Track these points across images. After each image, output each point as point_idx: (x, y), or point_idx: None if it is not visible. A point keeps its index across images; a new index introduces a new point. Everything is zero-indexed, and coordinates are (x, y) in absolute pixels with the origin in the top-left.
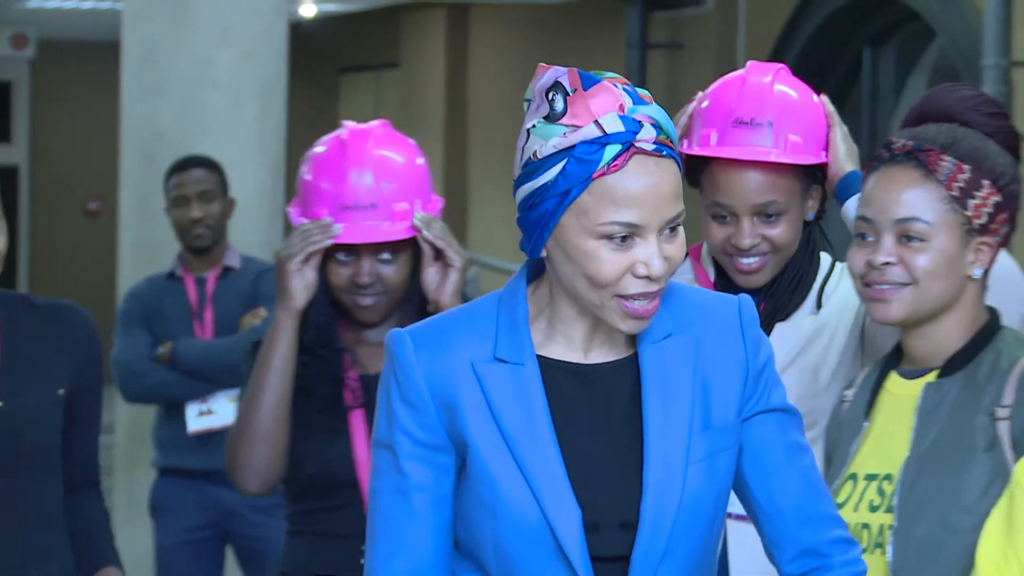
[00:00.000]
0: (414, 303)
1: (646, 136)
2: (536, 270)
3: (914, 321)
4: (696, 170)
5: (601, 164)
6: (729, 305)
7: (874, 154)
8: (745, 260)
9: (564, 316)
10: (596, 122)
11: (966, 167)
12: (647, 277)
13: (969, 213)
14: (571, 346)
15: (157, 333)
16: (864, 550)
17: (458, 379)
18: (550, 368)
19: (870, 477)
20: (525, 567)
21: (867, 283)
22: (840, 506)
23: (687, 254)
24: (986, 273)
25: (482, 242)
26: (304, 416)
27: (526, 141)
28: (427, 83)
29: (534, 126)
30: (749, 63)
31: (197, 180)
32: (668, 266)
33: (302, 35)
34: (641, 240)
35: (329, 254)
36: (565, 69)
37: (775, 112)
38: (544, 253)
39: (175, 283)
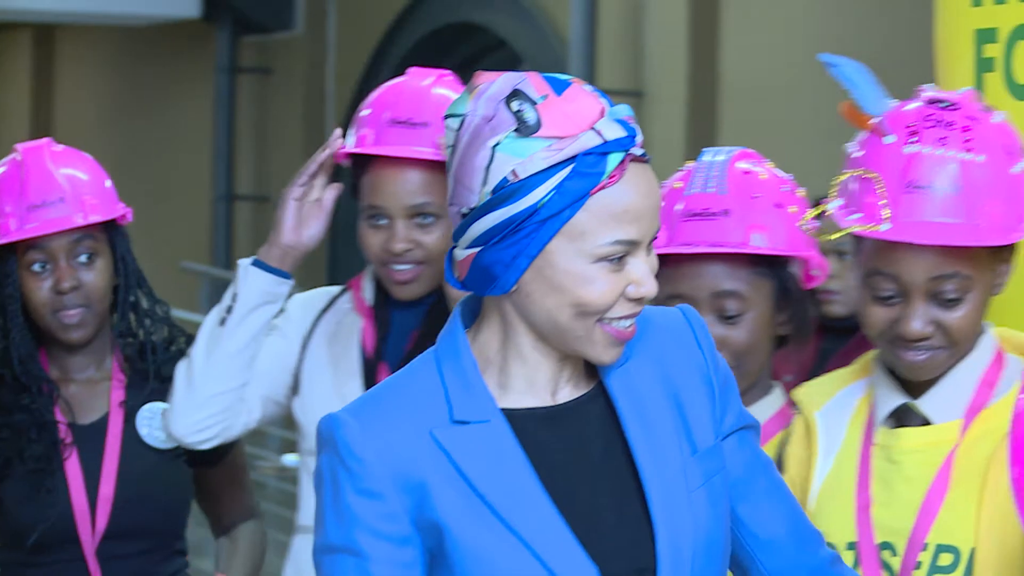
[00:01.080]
0: (125, 318)
1: (639, 140)
2: (471, 316)
3: None
4: (355, 176)
5: (603, 176)
6: (674, 317)
7: None
8: (398, 267)
9: (526, 359)
10: (594, 128)
11: None
12: (639, 299)
13: None
14: (534, 391)
15: None
16: None
17: (419, 453)
18: (517, 419)
19: None
20: None
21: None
22: None
23: (348, 286)
24: None
25: None
26: (13, 464)
27: (490, 162)
28: (12, 105)
29: (499, 143)
30: (410, 69)
31: None
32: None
33: None
34: (633, 258)
35: (25, 269)
36: (522, 74)
37: (432, 114)
38: (513, 289)
39: None
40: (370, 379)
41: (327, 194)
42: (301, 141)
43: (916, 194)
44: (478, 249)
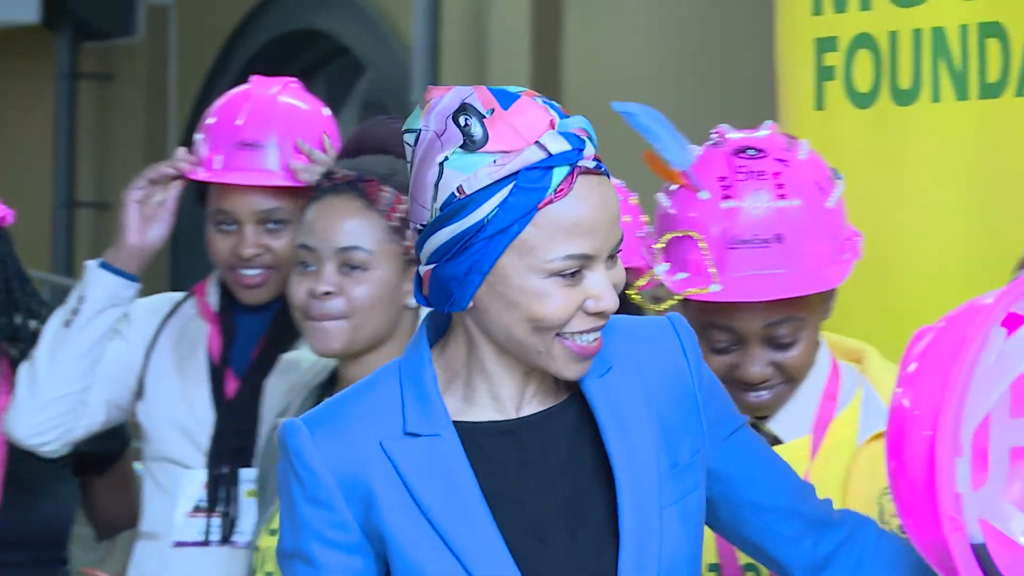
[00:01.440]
0: (11, 322)
1: (589, 153)
2: (438, 330)
3: (352, 352)
4: (202, 183)
5: (549, 191)
6: (660, 326)
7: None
8: (246, 272)
9: (490, 374)
10: (538, 143)
11: (404, 198)
12: (599, 313)
13: (407, 243)
14: (498, 405)
15: None
16: None
17: (367, 463)
18: (473, 433)
19: None
20: None
21: (308, 315)
22: None
23: (193, 292)
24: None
25: None
26: None
27: (439, 178)
28: None
29: (446, 158)
30: (253, 77)
31: None
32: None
33: None
34: (590, 272)
35: None
36: (470, 88)
37: (281, 128)
38: (470, 305)
39: None
40: (217, 384)
41: (170, 194)
42: (142, 148)
43: (740, 249)
44: (433, 266)
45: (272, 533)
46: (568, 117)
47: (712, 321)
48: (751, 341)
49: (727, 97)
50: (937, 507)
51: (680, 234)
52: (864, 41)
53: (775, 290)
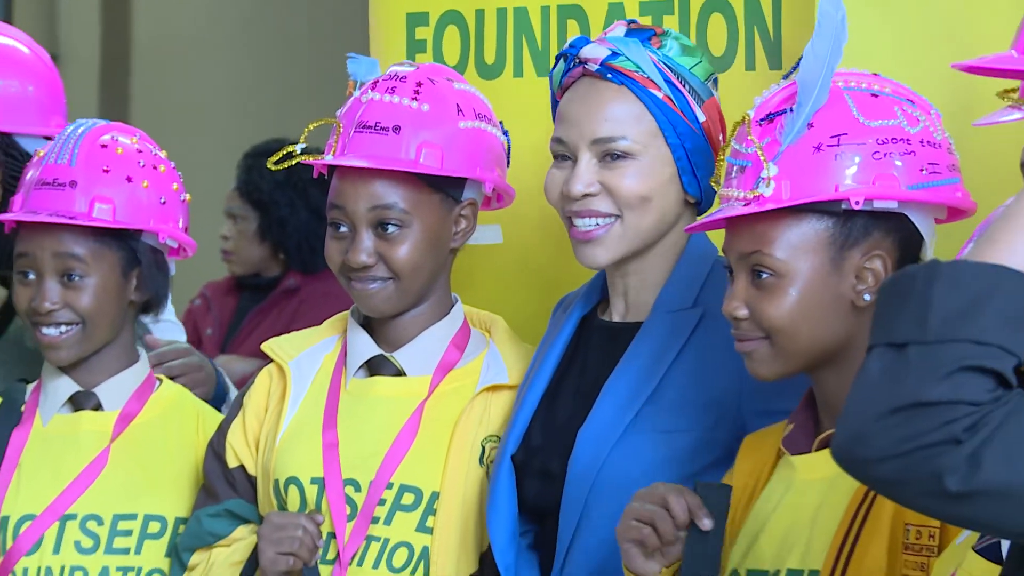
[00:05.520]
0: None
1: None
2: None
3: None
4: None
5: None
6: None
7: None
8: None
9: None
10: None
11: None
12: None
13: None
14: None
15: None
16: None
17: None
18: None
19: None
20: None
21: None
22: None
23: None
24: None
25: None
26: None
27: None
28: None
29: None
30: None
31: None
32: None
33: None
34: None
35: None
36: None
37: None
38: None
39: None
40: None
41: None
42: None
43: (363, 133)
44: None
45: None
46: None
47: (332, 202)
48: (359, 224)
49: (323, 67)
50: None
51: (329, 121)
52: (453, 17)
53: (398, 164)
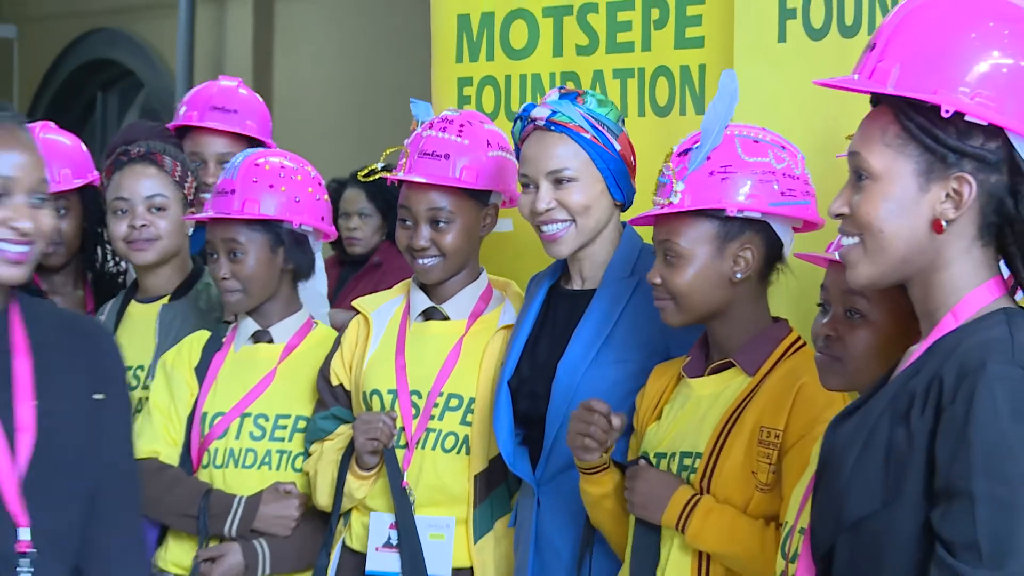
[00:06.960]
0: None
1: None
2: None
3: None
4: None
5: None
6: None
7: (114, 158)
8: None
9: None
10: None
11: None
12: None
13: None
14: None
15: None
16: None
17: None
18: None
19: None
20: None
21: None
22: None
23: None
24: None
25: None
26: None
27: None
28: None
29: None
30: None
31: None
32: (559, 208)
33: None
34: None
35: None
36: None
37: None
38: None
39: None
40: None
41: None
42: None
43: (423, 158)
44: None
45: None
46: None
47: (401, 204)
48: (420, 219)
49: (396, 113)
50: None
51: (399, 149)
52: (490, 80)
53: (433, 178)
